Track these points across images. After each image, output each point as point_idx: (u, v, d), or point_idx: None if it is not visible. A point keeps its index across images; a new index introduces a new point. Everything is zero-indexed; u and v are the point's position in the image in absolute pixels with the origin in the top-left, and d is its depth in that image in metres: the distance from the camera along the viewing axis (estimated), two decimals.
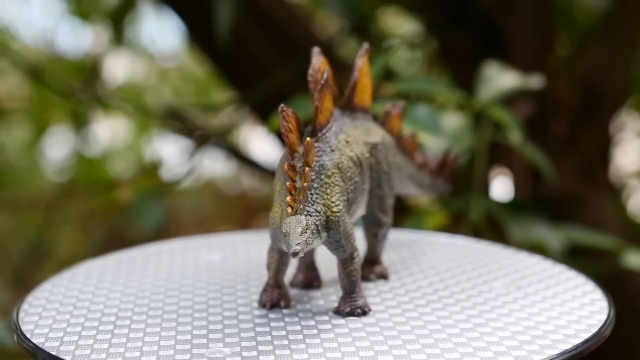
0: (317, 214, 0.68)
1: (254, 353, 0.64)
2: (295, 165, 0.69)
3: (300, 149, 0.71)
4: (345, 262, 0.71)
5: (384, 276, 0.80)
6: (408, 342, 0.65)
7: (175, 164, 1.90)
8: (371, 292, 0.77)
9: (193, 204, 2.82)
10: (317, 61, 0.76)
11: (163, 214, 1.50)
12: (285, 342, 0.66)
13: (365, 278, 0.80)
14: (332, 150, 0.72)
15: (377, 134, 0.78)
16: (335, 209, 0.69)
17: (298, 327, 0.69)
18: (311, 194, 0.69)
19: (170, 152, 2.29)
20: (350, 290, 0.71)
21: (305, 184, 0.68)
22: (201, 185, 2.84)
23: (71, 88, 1.86)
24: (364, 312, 0.71)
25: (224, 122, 2.00)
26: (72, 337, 0.68)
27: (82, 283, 0.81)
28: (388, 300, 0.75)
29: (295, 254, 0.65)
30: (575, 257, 1.25)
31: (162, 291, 0.79)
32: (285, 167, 0.69)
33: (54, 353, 0.65)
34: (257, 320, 0.71)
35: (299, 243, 0.65)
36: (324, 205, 0.69)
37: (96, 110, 2.05)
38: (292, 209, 0.67)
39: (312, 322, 0.70)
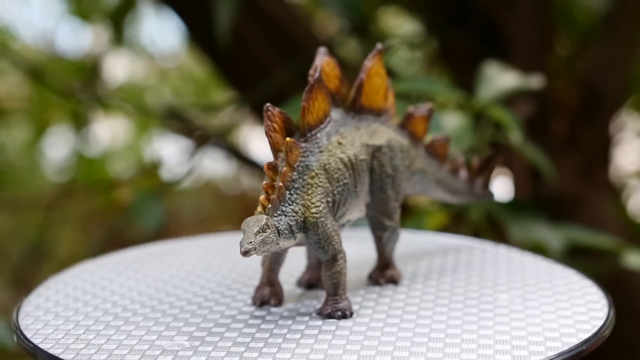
0: (294, 214, 0.68)
1: (210, 348, 0.65)
2: (277, 165, 0.69)
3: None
4: (327, 263, 0.71)
5: (394, 281, 0.79)
6: (365, 348, 0.64)
7: (175, 164, 1.90)
8: (371, 295, 0.76)
9: (193, 204, 2.82)
10: (321, 61, 0.75)
11: (163, 214, 1.50)
12: (248, 339, 0.66)
13: (375, 282, 0.79)
14: (321, 151, 0.71)
15: (383, 137, 0.77)
16: (314, 210, 0.69)
17: (271, 326, 0.69)
18: (290, 193, 0.69)
19: (170, 152, 2.29)
20: (332, 293, 0.71)
21: (281, 184, 0.68)
22: (201, 185, 2.85)
23: (71, 88, 1.86)
24: (344, 316, 0.70)
25: (224, 122, 2.00)
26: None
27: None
28: (381, 305, 0.74)
29: (245, 254, 0.64)
30: (575, 257, 1.25)
31: (173, 283, 0.79)
32: (265, 166, 0.69)
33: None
34: (239, 317, 0.71)
35: (251, 242, 0.65)
36: (303, 205, 0.69)
37: (96, 110, 2.04)
38: (263, 207, 0.67)
39: (289, 322, 0.70)
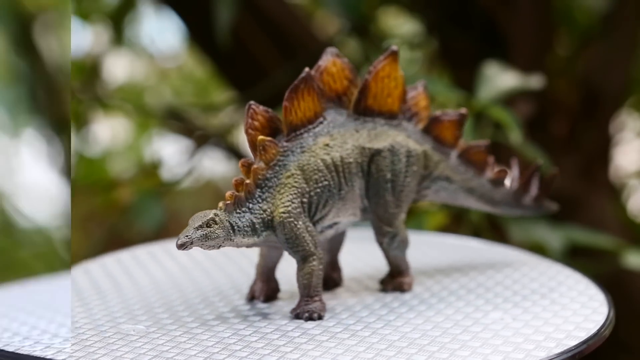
0: (262, 212, 0.68)
1: (158, 334, 0.66)
2: (253, 163, 0.69)
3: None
4: (299, 264, 0.70)
5: (401, 288, 0.77)
6: (298, 350, 0.63)
7: (175, 164, 1.90)
8: (367, 300, 0.75)
9: (193, 204, 2.82)
10: (325, 62, 0.75)
11: (163, 214, 1.50)
12: (200, 331, 0.67)
13: (383, 288, 0.78)
14: (303, 152, 0.71)
15: (386, 140, 0.75)
16: (282, 210, 0.69)
17: (237, 321, 0.69)
18: (262, 191, 0.69)
19: (170, 152, 2.29)
20: (304, 294, 0.70)
21: (249, 181, 0.68)
22: (201, 185, 2.84)
23: (71, 88, 1.85)
24: (312, 317, 0.69)
25: (224, 122, 2.00)
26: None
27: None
28: (364, 311, 0.72)
29: (179, 247, 0.65)
30: (575, 257, 1.25)
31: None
32: (240, 163, 0.69)
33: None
34: (222, 310, 0.72)
35: (188, 236, 0.65)
36: (273, 204, 0.69)
37: (96, 110, 2.05)
38: (224, 203, 0.68)
39: (256, 319, 0.70)
